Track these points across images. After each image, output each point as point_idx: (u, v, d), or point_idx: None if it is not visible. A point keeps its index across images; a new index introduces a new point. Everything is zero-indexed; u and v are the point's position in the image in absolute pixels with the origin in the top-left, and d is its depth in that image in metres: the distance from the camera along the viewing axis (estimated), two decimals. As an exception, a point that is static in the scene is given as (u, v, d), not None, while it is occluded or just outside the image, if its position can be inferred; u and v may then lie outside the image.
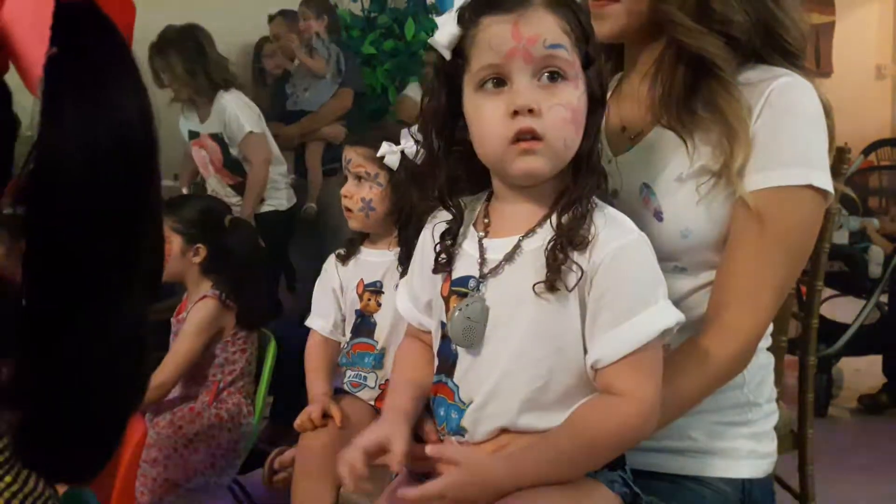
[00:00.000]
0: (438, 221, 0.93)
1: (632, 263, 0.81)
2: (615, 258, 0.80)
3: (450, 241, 0.90)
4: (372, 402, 1.47)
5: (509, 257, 0.85)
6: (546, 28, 0.80)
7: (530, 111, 0.80)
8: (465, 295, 0.87)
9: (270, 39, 3.65)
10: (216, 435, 1.80)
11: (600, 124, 0.86)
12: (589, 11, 0.86)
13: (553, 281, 0.81)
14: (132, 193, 0.49)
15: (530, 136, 0.80)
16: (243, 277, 1.81)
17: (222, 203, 2.01)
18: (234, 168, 2.99)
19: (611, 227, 0.82)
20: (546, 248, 0.82)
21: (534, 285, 0.82)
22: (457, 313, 0.87)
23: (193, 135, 2.98)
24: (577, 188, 0.83)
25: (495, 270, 0.86)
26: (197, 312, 1.77)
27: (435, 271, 0.91)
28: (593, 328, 0.82)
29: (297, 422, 1.39)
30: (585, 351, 0.83)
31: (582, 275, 0.81)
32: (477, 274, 0.87)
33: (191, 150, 3.04)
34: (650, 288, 0.82)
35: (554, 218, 0.84)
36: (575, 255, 0.81)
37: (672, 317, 0.81)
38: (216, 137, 2.92)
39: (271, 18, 3.63)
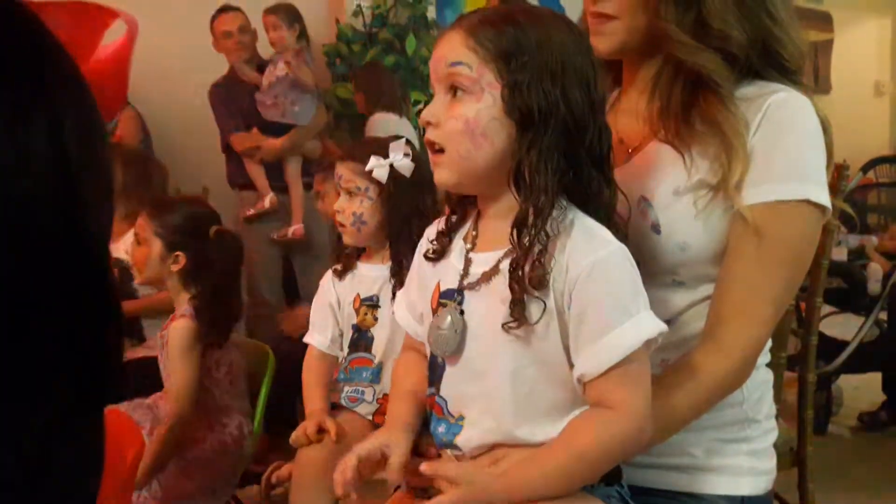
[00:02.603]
0: (434, 231, 0.95)
1: (609, 276, 0.81)
2: (592, 272, 0.80)
3: (446, 238, 0.93)
4: (370, 417, 1.46)
5: (488, 276, 0.86)
6: (450, 47, 0.85)
7: (428, 123, 0.86)
8: None
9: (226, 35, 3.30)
10: (217, 461, 1.73)
11: (545, 142, 0.81)
12: (519, 27, 0.83)
13: (518, 316, 0.82)
14: (29, 271, 0.35)
15: (437, 147, 0.86)
16: (218, 292, 1.75)
17: (211, 212, 1.90)
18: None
19: (587, 240, 0.82)
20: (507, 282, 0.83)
21: (503, 324, 0.82)
22: (431, 322, 0.89)
23: None
24: (521, 211, 0.83)
25: (474, 285, 0.87)
26: (174, 336, 1.70)
27: (426, 257, 0.94)
28: (577, 343, 0.82)
29: (293, 437, 1.39)
30: (571, 364, 0.83)
31: (545, 308, 0.81)
32: (457, 286, 0.88)
33: None
34: (630, 299, 0.82)
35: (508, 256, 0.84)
36: (535, 293, 0.81)
37: (654, 327, 0.81)
38: (116, 262, 2.36)
39: (224, 10, 3.29)
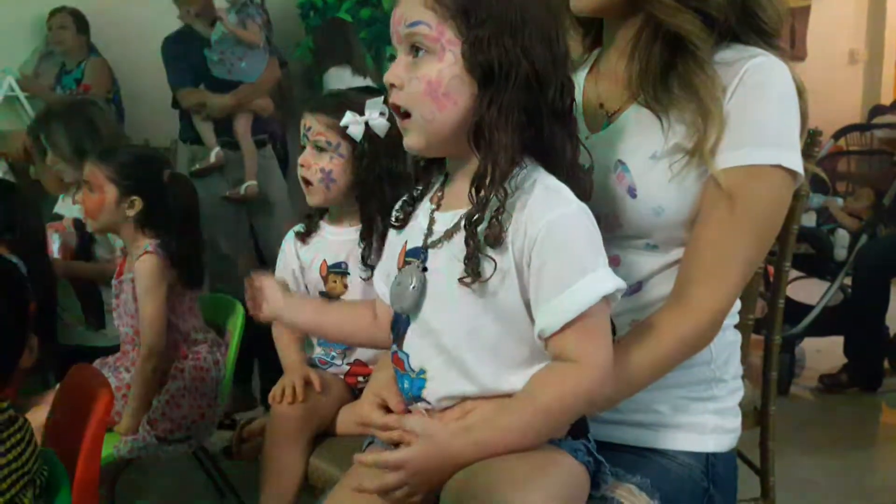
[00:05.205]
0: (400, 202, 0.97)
1: (567, 234, 0.82)
2: (550, 231, 0.81)
3: (410, 207, 0.95)
4: (340, 377, 1.46)
5: (449, 234, 0.87)
6: (409, 7, 0.85)
7: (392, 86, 0.85)
8: None
9: None
10: (198, 385, 1.77)
11: (505, 98, 0.82)
12: None
13: (473, 271, 0.83)
14: None
15: (402, 111, 0.86)
16: (181, 235, 1.75)
17: (162, 156, 1.88)
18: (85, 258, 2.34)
19: (546, 200, 0.83)
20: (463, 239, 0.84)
21: (459, 279, 0.84)
22: (393, 278, 0.91)
23: (58, 217, 2.40)
24: (480, 167, 0.83)
25: (437, 243, 0.88)
26: (142, 272, 1.71)
27: (391, 226, 0.96)
28: (537, 300, 0.83)
29: (272, 393, 1.36)
30: (534, 321, 0.84)
31: (496, 266, 0.82)
32: (422, 244, 0.89)
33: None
34: (588, 256, 0.83)
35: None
36: (489, 251, 0.83)
37: (612, 283, 0.82)
38: (78, 223, 2.31)
39: None
